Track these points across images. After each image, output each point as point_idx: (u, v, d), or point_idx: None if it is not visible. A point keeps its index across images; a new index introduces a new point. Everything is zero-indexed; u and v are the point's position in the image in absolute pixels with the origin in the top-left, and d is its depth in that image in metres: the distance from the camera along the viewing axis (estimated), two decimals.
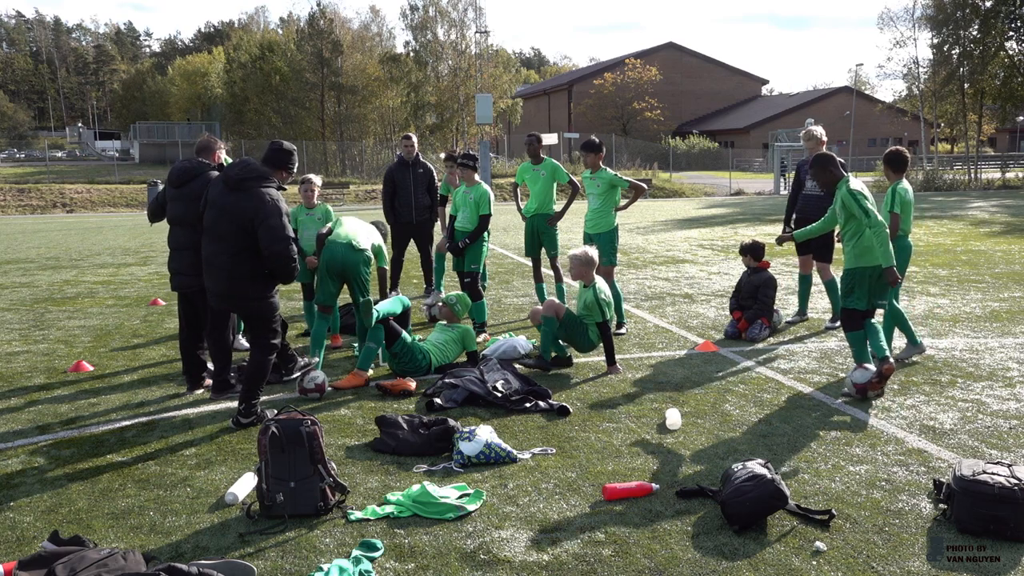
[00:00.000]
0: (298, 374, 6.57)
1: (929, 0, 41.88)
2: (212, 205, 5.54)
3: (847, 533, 3.87)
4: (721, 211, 27.13)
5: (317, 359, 6.69)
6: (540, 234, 8.80)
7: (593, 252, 6.96)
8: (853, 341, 6.08)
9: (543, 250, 8.89)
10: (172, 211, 6.28)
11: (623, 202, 8.31)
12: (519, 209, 9.04)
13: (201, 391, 6.35)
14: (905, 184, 6.95)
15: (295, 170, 5.79)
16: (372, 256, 6.84)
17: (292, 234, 5.49)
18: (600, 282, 6.87)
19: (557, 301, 7.10)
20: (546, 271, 9.42)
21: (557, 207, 8.89)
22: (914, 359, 7.00)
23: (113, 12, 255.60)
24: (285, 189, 5.71)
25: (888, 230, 6.03)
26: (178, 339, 6.60)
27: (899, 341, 7.24)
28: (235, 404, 5.97)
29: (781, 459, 4.79)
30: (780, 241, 7.10)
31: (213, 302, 5.74)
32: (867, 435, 5.19)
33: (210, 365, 6.58)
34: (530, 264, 9.31)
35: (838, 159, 6.31)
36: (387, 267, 6.98)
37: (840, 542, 3.79)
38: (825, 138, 8.14)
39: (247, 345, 7.73)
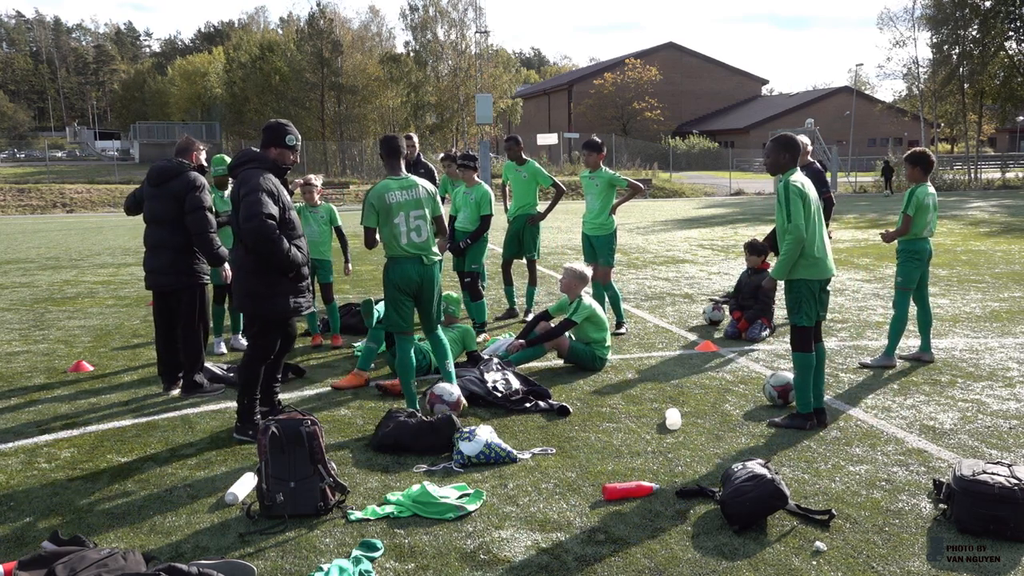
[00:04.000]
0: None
1: (929, 0, 41.88)
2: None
3: (847, 533, 3.87)
4: (721, 211, 27.13)
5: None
6: (522, 235, 8.85)
7: (588, 270, 7.09)
8: (800, 366, 5.29)
9: (522, 251, 8.93)
10: (150, 210, 6.19)
11: (616, 199, 8.26)
12: (505, 209, 9.11)
13: (176, 391, 6.35)
14: (930, 188, 6.74)
15: (295, 144, 5.22)
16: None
17: (273, 212, 4.90)
18: (586, 298, 6.94)
19: (557, 337, 6.87)
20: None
21: (541, 208, 8.96)
22: (884, 366, 6.78)
23: (113, 12, 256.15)
24: (290, 167, 5.25)
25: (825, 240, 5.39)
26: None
27: (902, 341, 7.19)
28: (232, 404, 5.97)
29: (781, 459, 4.79)
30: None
31: (237, 305, 5.46)
32: (867, 435, 5.19)
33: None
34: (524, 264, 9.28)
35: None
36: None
37: (840, 542, 3.79)
38: (811, 147, 8.16)
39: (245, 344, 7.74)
